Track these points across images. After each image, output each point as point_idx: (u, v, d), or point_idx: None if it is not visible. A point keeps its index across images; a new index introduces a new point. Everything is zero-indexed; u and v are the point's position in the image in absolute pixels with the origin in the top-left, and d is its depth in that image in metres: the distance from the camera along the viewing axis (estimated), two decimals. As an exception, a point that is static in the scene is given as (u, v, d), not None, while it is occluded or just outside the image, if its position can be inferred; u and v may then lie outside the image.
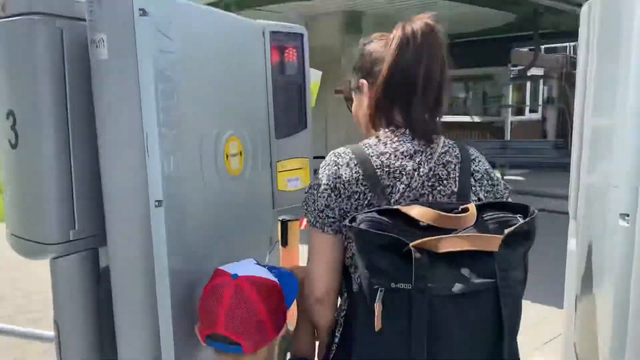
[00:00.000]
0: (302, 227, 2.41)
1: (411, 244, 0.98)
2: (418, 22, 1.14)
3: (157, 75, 1.08)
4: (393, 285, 0.98)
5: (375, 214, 1.04)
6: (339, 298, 1.22)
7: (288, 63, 1.67)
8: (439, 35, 1.15)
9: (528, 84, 12.00)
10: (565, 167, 1.72)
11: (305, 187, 1.47)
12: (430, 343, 0.99)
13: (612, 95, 1.03)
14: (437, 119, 1.19)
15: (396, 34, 1.15)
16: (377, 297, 0.99)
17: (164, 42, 1.10)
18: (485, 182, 1.20)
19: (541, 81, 12.38)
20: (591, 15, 1.26)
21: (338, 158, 1.16)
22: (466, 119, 12.27)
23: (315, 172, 1.21)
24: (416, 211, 1.04)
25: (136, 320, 1.17)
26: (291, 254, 2.44)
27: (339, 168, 1.15)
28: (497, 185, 1.22)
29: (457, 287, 0.98)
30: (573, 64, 14.51)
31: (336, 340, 1.21)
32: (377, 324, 0.98)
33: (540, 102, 12.75)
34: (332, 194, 1.14)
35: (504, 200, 1.21)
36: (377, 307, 0.98)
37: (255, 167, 1.49)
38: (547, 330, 3.27)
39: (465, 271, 1.00)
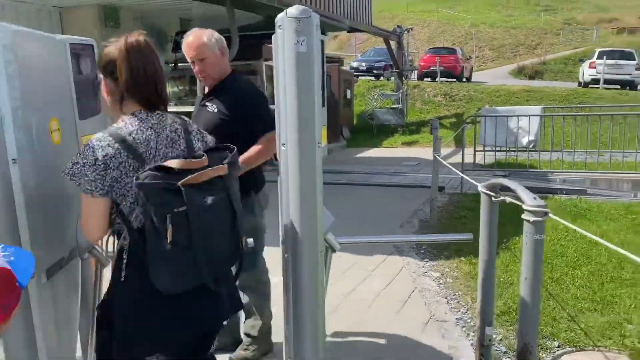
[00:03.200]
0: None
1: (179, 183, 1.54)
2: (134, 36, 1.69)
3: (8, 79, 1.68)
4: (175, 210, 1.54)
5: (150, 171, 1.55)
6: (115, 238, 1.76)
7: (83, 65, 2.31)
8: (150, 44, 1.71)
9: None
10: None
11: None
12: (203, 239, 1.60)
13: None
14: (163, 100, 1.75)
15: (123, 42, 1.66)
16: (168, 220, 1.53)
17: (9, 55, 1.70)
18: (199, 135, 1.85)
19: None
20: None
21: (100, 142, 1.61)
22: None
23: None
24: (174, 163, 1.60)
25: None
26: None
27: (103, 149, 1.60)
28: (205, 136, 1.89)
29: (210, 200, 1.62)
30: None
31: (123, 265, 1.70)
32: (169, 237, 1.54)
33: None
34: (103, 168, 1.59)
35: (215, 144, 1.86)
36: (169, 227, 1.53)
37: (69, 139, 2.12)
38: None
39: (212, 190, 1.64)
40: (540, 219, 1.97)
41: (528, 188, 2.11)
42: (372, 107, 17.92)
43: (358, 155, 14.04)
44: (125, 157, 1.63)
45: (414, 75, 21.00)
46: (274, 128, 2.46)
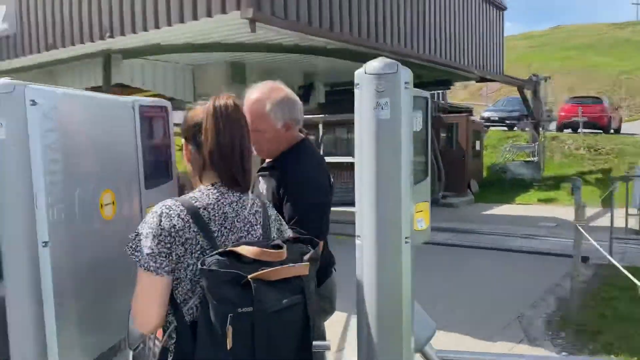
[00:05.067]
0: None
1: (249, 277, 1.24)
2: (223, 98, 1.45)
3: (44, 151, 1.46)
4: (239, 310, 1.25)
5: (218, 256, 1.28)
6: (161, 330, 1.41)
7: (155, 128, 2.09)
8: (240, 109, 1.47)
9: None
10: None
11: None
12: (267, 352, 1.29)
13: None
14: (247, 176, 1.48)
15: (210, 104, 1.44)
16: (228, 321, 1.23)
17: (49, 124, 1.49)
18: (276, 222, 1.56)
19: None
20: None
21: (170, 210, 1.36)
22: (349, 159, 13.19)
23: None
24: (245, 250, 1.31)
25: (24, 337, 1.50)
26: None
27: (171, 219, 1.34)
28: (282, 224, 1.60)
29: (284, 303, 1.31)
30: (440, 109, 16.25)
31: None
32: (229, 343, 1.23)
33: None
34: (168, 241, 1.33)
35: (293, 234, 1.56)
36: (229, 329, 1.23)
37: (128, 212, 1.87)
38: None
39: (286, 290, 1.33)
40: None
41: None
42: (504, 160, 16.71)
43: (486, 212, 12.95)
44: (194, 234, 1.36)
45: (552, 126, 19.35)
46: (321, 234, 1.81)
